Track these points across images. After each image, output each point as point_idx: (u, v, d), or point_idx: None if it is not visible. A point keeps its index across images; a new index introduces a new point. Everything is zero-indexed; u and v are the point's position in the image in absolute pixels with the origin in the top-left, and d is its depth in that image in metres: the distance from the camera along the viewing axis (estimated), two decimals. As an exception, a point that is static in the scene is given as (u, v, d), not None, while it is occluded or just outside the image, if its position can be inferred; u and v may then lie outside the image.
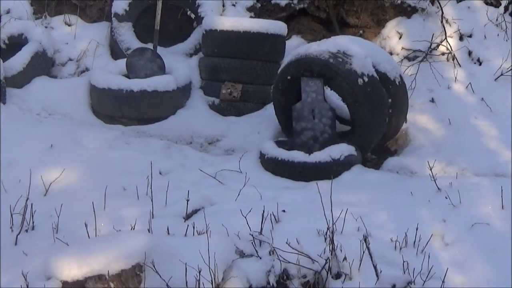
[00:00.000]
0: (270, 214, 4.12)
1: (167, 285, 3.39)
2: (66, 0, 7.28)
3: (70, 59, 6.95)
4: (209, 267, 3.48)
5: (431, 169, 4.78)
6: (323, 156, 5.16)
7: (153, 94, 6.18)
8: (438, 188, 4.63)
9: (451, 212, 4.31)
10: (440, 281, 3.53)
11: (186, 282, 3.43)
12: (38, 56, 6.57)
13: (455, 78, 6.45)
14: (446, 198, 4.42)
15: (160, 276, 3.39)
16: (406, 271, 3.62)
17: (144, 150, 5.58)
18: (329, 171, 4.99)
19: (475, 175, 5.14)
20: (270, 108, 6.10)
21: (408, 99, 5.72)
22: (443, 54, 6.72)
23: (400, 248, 3.90)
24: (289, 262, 3.69)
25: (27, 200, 4.22)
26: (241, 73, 6.52)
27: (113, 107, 6.24)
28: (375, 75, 5.38)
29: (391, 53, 6.76)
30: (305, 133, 5.44)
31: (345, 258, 3.71)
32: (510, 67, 6.41)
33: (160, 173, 5.12)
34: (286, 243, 3.72)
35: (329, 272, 3.65)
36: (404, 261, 3.65)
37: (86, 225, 3.87)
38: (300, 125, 5.45)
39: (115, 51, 7.01)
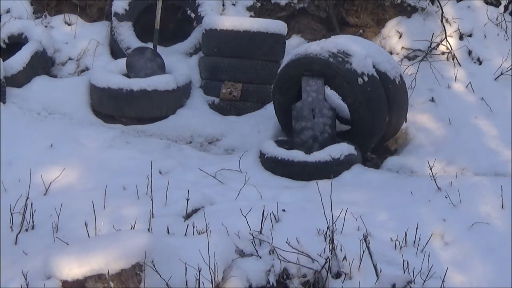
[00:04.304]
0: (270, 214, 4.12)
1: (167, 284, 3.39)
2: (66, 0, 7.27)
3: (70, 59, 6.95)
4: (209, 267, 3.48)
5: (431, 169, 4.78)
6: (323, 155, 5.16)
7: (153, 93, 6.18)
8: (438, 188, 4.63)
9: (451, 212, 4.31)
10: (440, 281, 3.53)
11: (186, 282, 3.43)
12: (38, 55, 6.56)
13: (455, 77, 6.45)
14: (446, 197, 4.42)
15: (160, 276, 3.39)
16: (406, 271, 3.62)
17: (144, 149, 5.58)
18: (329, 170, 4.99)
19: (475, 174, 5.14)
20: (270, 108, 6.10)
21: (408, 98, 5.71)
22: (443, 53, 6.72)
23: (400, 248, 3.90)
24: (289, 262, 3.69)
25: (27, 200, 4.22)
26: (241, 73, 6.52)
27: (113, 107, 6.25)
28: (375, 74, 5.38)
29: (391, 53, 6.76)
30: (305, 133, 5.44)
31: (345, 258, 3.71)
32: (510, 67, 6.41)
33: (160, 173, 5.12)
34: (286, 242, 3.72)
35: (329, 272, 3.65)
36: (404, 261, 3.65)
37: (86, 225, 3.87)
38: (299, 124, 5.45)
39: (115, 51, 7.01)
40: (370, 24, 7.25)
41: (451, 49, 6.68)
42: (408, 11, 7.11)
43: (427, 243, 3.91)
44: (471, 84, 6.34)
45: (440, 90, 6.33)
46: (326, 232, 3.83)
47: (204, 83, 6.64)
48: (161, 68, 6.47)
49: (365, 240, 3.66)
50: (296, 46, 6.44)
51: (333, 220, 3.86)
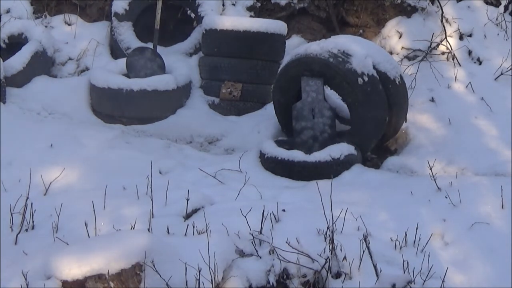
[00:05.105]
0: (270, 214, 4.12)
1: (167, 284, 3.39)
2: (66, 0, 7.28)
3: (70, 59, 6.95)
4: (209, 267, 3.48)
5: (431, 169, 4.78)
6: (323, 155, 5.16)
7: (153, 93, 6.18)
8: (438, 188, 4.63)
9: (451, 212, 4.31)
10: (440, 281, 3.53)
11: (186, 282, 3.43)
12: (38, 55, 6.57)
13: (455, 77, 6.45)
14: (446, 197, 4.42)
15: (160, 276, 3.39)
16: (406, 271, 3.62)
17: (144, 149, 5.59)
18: (329, 170, 4.99)
19: (475, 174, 5.13)
20: (270, 108, 6.10)
21: (408, 98, 5.71)
22: (443, 53, 6.72)
23: (400, 248, 3.90)
24: (289, 262, 3.69)
25: (27, 200, 4.22)
26: (241, 73, 6.52)
27: (113, 107, 6.25)
28: (375, 74, 5.38)
29: (391, 53, 6.75)
30: (305, 133, 5.45)
31: (345, 258, 3.71)
32: (510, 67, 6.41)
33: (160, 173, 5.12)
34: (286, 242, 3.72)
35: (329, 272, 3.65)
36: (404, 261, 3.65)
37: (86, 225, 3.87)
38: (300, 124, 5.45)
39: (115, 51, 7.01)
40: (370, 24, 7.25)
41: (451, 49, 6.68)
42: (408, 11, 7.11)
43: (427, 243, 3.91)
44: (471, 84, 6.34)
45: (440, 90, 6.33)
46: (326, 232, 3.83)
47: (204, 83, 6.64)
48: (161, 68, 6.47)
49: (365, 240, 3.66)
50: (296, 46, 6.43)
51: (333, 220, 3.86)
